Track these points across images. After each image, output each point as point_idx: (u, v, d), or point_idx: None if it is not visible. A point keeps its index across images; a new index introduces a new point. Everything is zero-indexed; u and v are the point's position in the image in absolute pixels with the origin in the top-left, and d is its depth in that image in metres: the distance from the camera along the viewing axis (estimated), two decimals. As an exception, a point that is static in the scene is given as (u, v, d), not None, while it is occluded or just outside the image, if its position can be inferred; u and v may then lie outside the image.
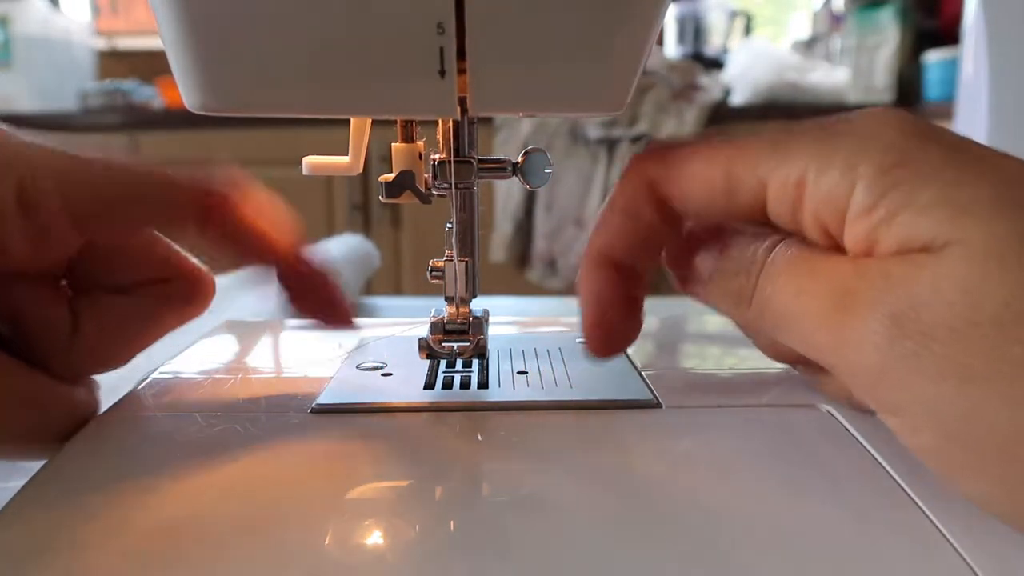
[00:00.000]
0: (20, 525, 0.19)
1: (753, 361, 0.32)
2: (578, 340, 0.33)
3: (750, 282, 0.22)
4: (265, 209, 0.26)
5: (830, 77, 1.72)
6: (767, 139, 0.21)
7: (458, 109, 0.22)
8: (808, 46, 1.94)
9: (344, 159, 0.28)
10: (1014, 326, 0.17)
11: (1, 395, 0.23)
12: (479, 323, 0.28)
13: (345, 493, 0.20)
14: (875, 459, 0.22)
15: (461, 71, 0.22)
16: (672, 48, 2.04)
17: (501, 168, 0.27)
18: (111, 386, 0.27)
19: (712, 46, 2.05)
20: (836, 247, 0.21)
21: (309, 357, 0.31)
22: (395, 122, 0.27)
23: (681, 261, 0.25)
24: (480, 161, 0.27)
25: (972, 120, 0.62)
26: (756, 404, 0.26)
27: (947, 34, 1.60)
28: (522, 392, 0.27)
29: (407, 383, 0.28)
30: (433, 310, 0.28)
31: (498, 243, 1.62)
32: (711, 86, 1.66)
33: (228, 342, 0.34)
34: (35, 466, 0.22)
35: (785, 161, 0.21)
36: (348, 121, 0.28)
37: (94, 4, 2.23)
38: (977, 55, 0.61)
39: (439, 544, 0.18)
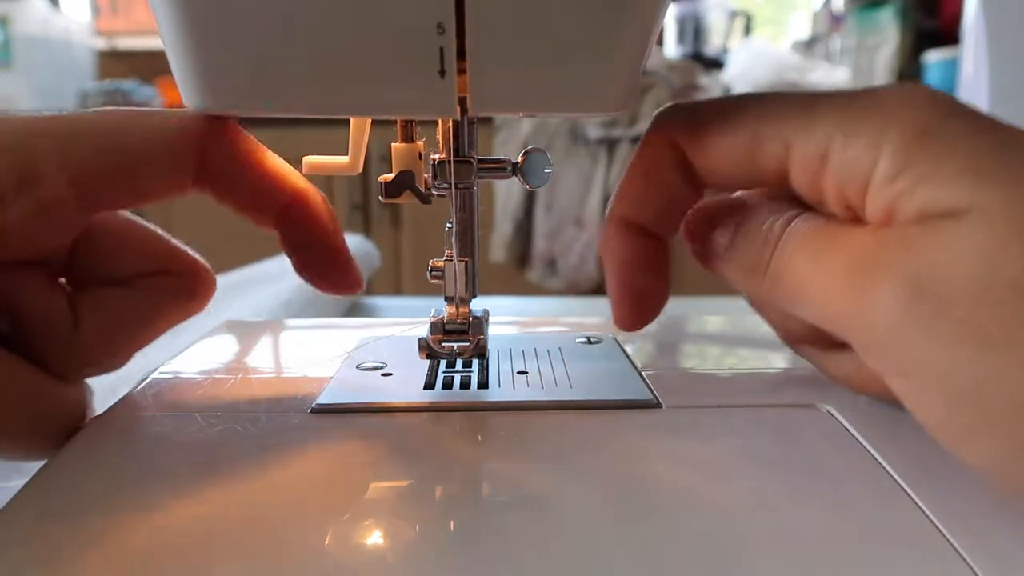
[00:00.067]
0: (20, 525, 0.19)
1: (753, 361, 0.32)
2: (578, 340, 0.33)
3: (767, 251, 0.22)
4: (263, 150, 0.26)
5: (830, 77, 1.72)
6: (794, 100, 0.21)
7: (458, 109, 0.22)
8: (808, 46, 1.94)
9: (344, 159, 0.28)
10: None
11: None
12: (479, 323, 0.28)
13: (345, 493, 0.20)
14: (875, 459, 0.22)
15: (461, 71, 0.22)
16: (672, 48, 2.04)
17: (501, 168, 0.27)
18: (111, 386, 0.27)
19: (712, 46, 2.05)
20: (856, 220, 0.21)
21: (309, 357, 0.31)
22: (395, 122, 0.27)
23: (699, 234, 0.25)
24: (480, 161, 0.27)
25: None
26: (756, 404, 0.26)
27: (947, 34, 1.60)
28: (522, 392, 0.27)
29: (407, 383, 0.28)
30: (433, 310, 0.28)
31: (498, 243, 1.62)
32: (711, 86, 1.66)
33: (228, 342, 0.34)
34: (35, 466, 0.22)
35: (810, 126, 0.21)
36: (348, 121, 0.28)
37: (94, 4, 2.23)
38: (977, 55, 0.61)
39: (439, 544, 0.18)
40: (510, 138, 1.60)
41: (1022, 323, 0.17)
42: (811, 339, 0.26)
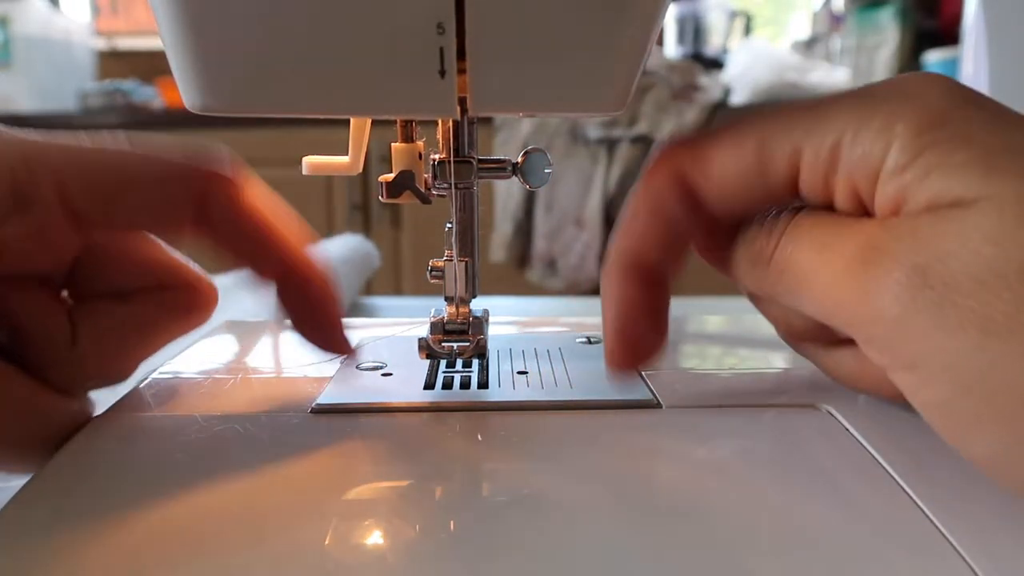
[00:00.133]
0: (20, 525, 0.19)
1: (753, 361, 0.32)
2: (578, 340, 0.33)
3: (771, 242, 0.22)
4: (267, 202, 0.25)
5: (830, 77, 1.72)
6: (802, 106, 0.21)
7: (458, 109, 0.22)
8: (808, 46, 1.94)
9: (344, 159, 0.28)
10: None
11: None
12: (479, 323, 0.28)
13: (345, 493, 0.20)
14: (875, 459, 0.22)
15: (461, 71, 0.22)
16: (672, 48, 2.04)
17: (501, 168, 0.27)
18: (111, 386, 0.27)
19: (712, 46, 2.05)
20: (865, 215, 0.21)
21: (309, 357, 0.31)
22: (395, 122, 0.27)
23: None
24: (480, 161, 0.27)
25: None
26: (756, 404, 0.26)
27: (947, 34, 1.60)
28: (522, 392, 0.27)
29: (407, 383, 0.28)
30: (433, 310, 0.28)
31: (498, 243, 1.62)
32: (711, 86, 1.65)
33: (228, 342, 0.34)
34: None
35: (821, 124, 0.20)
36: (348, 121, 0.28)
37: (94, 4, 2.23)
38: (977, 55, 0.61)
39: (439, 544, 0.18)
40: (510, 138, 1.60)
41: None
42: (812, 336, 0.25)
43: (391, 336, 0.33)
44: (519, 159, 0.27)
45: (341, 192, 1.71)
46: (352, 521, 0.19)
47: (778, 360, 0.31)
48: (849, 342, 0.24)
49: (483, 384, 0.28)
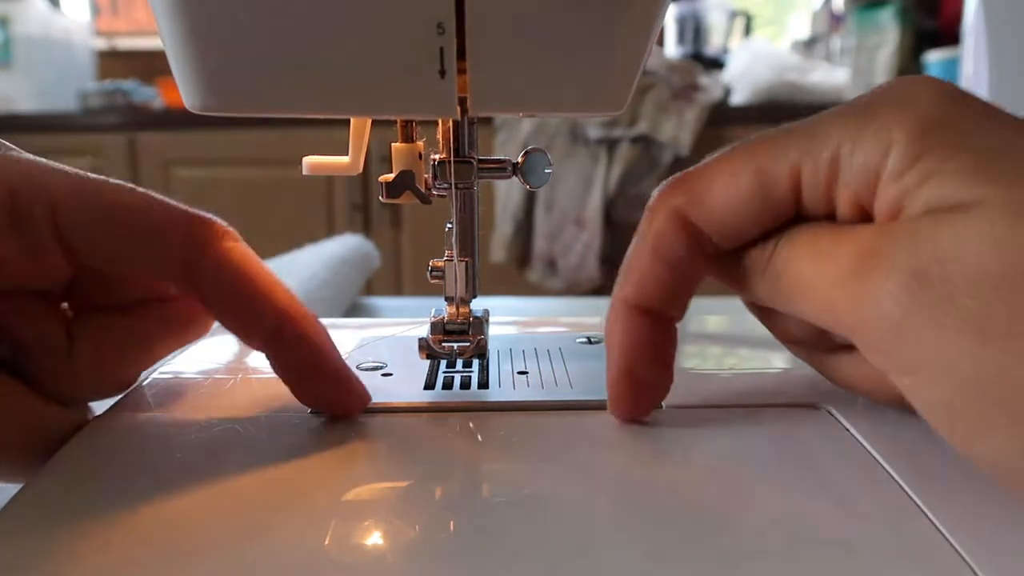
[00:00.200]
0: (20, 525, 0.19)
1: (753, 361, 0.32)
2: (578, 340, 0.33)
3: (767, 251, 0.22)
4: (259, 263, 0.24)
5: (830, 77, 1.72)
6: (795, 126, 0.21)
7: (458, 109, 0.22)
8: (808, 46, 1.94)
9: (344, 159, 0.28)
10: None
11: None
12: (479, 323, 0.28)
13: (345, 493, 0.20)
14: (875, 459, 0.22)
15: (461, 71, 0.22)
16: (672, 48, 2.04)
17: (501, 168, 0.27)
18: (111, 386, 0.27)
19: (712, 46, 2.05)
20: (865, 222, 0.20)
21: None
22: (395, 122, 0.27)
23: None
24: (480, 161, 0.27)
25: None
26: (756, 404, 0.26)
27: (947, 34, 1.60)
28: (522, 392, 0.27)
29: (407, 383, 0.28)
30: (433, 310, 0.28)
31: (498, 243, 1.62)
32: (711, 86, 1.65)
33: (228, 342, 0.34)
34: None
35: (818, 139, 0.20)
36: (348, 121, 0.28)
37: (94, 4, 2.23)
38: (977, 55, 0.61)
39: (439, 544, 0.18)
40: (510, 138, 1.60)
41: None
42: (810, 341, 0.25)
43: (391, 336, 0.33)
44: (519, 159, 0.27)
45: (341, 192, 1.71)
46: (352, 521, 0.19)
47: (778, 360, 0.31)
48: (848, 347, 0.24)
49: (483, 384, 0.28)
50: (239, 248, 0.24)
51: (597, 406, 0.26)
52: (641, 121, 1.54)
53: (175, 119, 1.78)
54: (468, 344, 0.28)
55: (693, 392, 0.27)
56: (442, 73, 0.22)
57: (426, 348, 0.28)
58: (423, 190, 0.27)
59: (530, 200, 1.60)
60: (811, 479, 0.21)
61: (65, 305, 0.26)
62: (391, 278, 1.70)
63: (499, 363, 0.30)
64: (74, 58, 2.03)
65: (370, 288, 0.84)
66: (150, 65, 2.12)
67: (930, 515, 0.19)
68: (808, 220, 0.22)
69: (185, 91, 0.22)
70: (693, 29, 2.03)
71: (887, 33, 1.67)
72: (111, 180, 0.24)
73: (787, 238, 0.22)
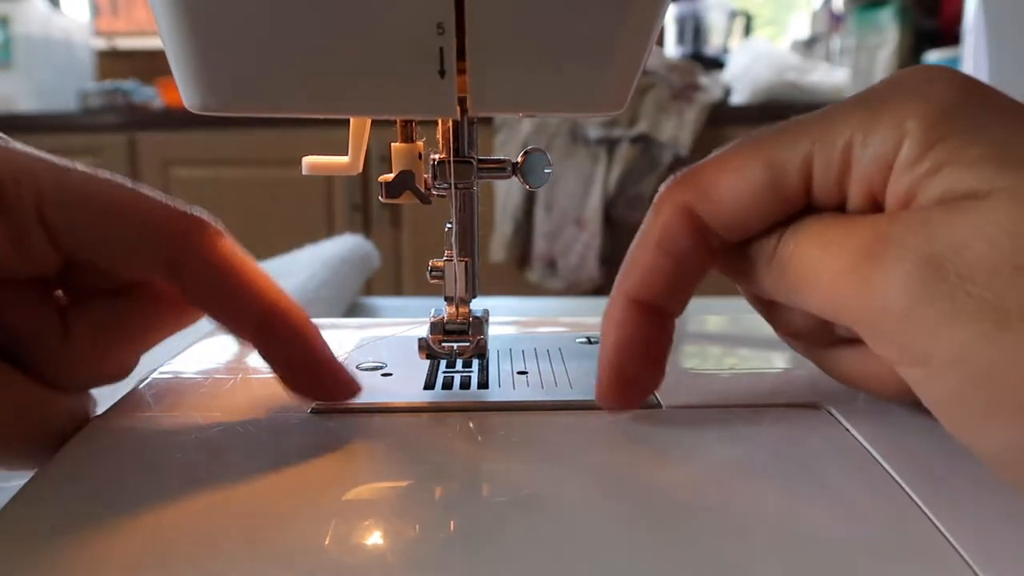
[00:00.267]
0: (20, 525, 0.19)
1: (754, 361, 0.32)
2: (578, 340, 0.33)
3: (772, 241, 0.22)
4: (244, 258, 0.24)
5: (830, 77, 1.72)
6: (805, 117, 0.21)
7: (458, 109, 0.22)
8: (808, 46, 1.94)
9: (344, 159, 0.28)
10: None
11: None
12: (479, 323, 0.28)
13: (345, 493, 0.20)
14: (875, 459, 0.22)
15: (461, 71, 0.22)
16: (672, 48, 2.04)
17: (501, 168, 0.27)
18: (111, 386, 0.27)
19: (712, 46, 2.05)
20: (876, 211, 0.20)
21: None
22: (395, 122, 0.27)
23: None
24: (480, 161, 0.27)
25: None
26: (756, 404, 0.26)
27: (947, 34, 1.60)
28: (522, 392, 0.27)
29: (407, 383, 0.28)
30: (433, 310, 0.28)
31: (498, 243, 1.62)
32: (711, 86, 1.66)
33: (228, 342, 0.34)
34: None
35: (830, 130, 0.20)
36: (348, 121, 0.28)
37: (94, 4, 2.23)
38: (977, 55, 0.61)
39: (439, 544, 0.18)
40: (510, 138, 1.60)
41: None
42: (812, 335, 0.25)
43: (391, 336, 0.33)
44: (519, 159, 0.27)
45: (341, 192, 1.71)
46: (352, 521, 0.19)
47: (778, 360, 0.31)
48: (849, 341, 0.24)
49: (483, 384, 0.28)
50: (225, 243, 0.24)
51: (597, 406, 0.26)
52: (641, 121, 1.54)
53: (175, 119, 1.78)
54: (468, 344, 0.28)
55: (693, 392, 0.27)
56: (442, 73, 0.22)
57: (426, 348, 0.28)
58: (423, 190, 0.27)
59: (530, 200, 1.60)
60: (811, 479, 0.21)
61: (59, 292, 0.25)
62: (391, 278, 1.70)
63: (499, 363, 0.30)
64: (74, 58, 2.03)
65: (370, 288, 0.84)
66: (150, 65, 2.12)
67: (930, 515, 0.19)
68: (817, 212, 0.21)
69: (185, 91, 0.22)
70: (693, 29, 2.04)
71: (887, 33, 1.67)
72: (100, 174, 0.24)
73: (794, 228, 0.21)
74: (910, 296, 0.18)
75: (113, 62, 2.22)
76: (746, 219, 0.22)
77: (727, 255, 0.23)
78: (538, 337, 0.34)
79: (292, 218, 1.68)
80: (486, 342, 0.28)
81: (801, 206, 0.22)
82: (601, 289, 1.53)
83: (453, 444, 0.23)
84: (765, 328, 0.27)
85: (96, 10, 2.23)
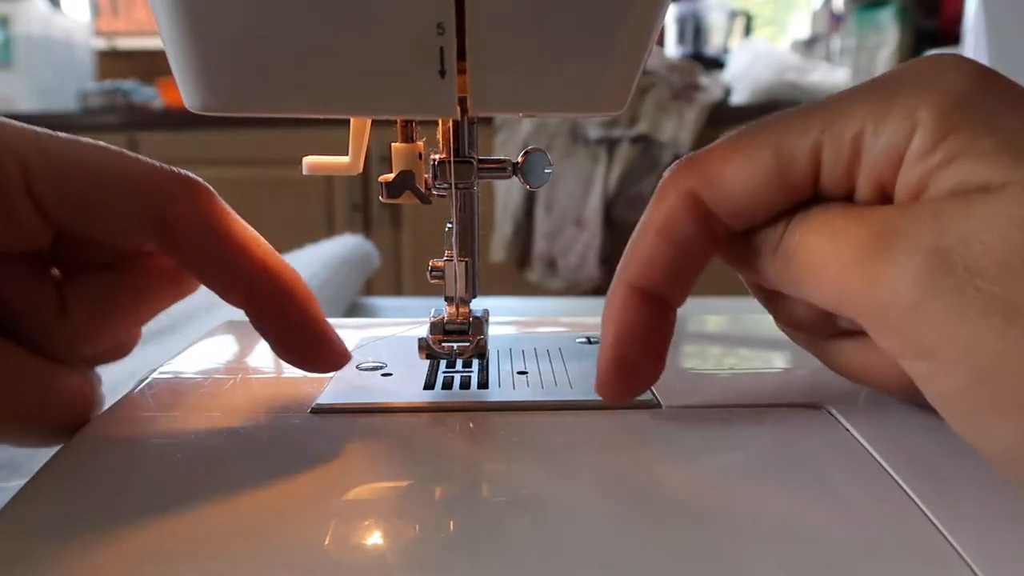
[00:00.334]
0: (20, 525, 0.19)
1: (754, 361, 0.32)
2: (578, 340, 0.33)
3: (778, 230, 0.22)
4: (235, 219, 0.24)
5: (830, 77, 1.72)
6: (814, 104, 0.21)
7: (458, 109, 0.22)
8: (808, 46, 1.94)
9: (344, 159, 0.28)
10: None
11: None
12: (479, 323, 0.28)
13: (345, 493, 0.20)
14: (875, 459, 0.22)
15: (461, 71, 0.22)
16: (672, 48, 2.04)
17: (501, 168, 0.27)
18: (111, 386, 0.27)
19: (712, 46, 2.05)
20: (886, 203, 0.20)
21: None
22: (395, 122, 0.27)
23: None
24: (480, 161, 0.27)
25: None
26: (757, 404, 0.26)
27: (947, 34, 1.60)
28: (522, 392, 0.27)
29: (407, 383, 0.28)
30: (433, 310, 0.28)
31: (498, 243, 1.62)
32: (711, 86, 1.66)
33: (228, 342, 0.34)
34: (35, 467, 0.22)
35: (840, 118, 0.20)
36: (348, 121, 0.28)
37: (94, 4, 2.23)
38: (977, 55, 0.61)
39: (439, 544, 0.18)
40: (510, 138, 1.60)
41: None
42: (814, 326, 0.25)
43: (391, 336, 0.33)
44: (519, 159, 0.27)
45: (341, 192, 1.71)
46: (352, 521, 0.19)
47: (779, 360, 0.31)
48: (851, 333, 0.24)
49: (483, 384, 0.28)
50: (215, 204, 0.24)
51: (597, 406, 0.26)
52: (641, 121, 1.54)
53: (175, 119, 1.78)
54: (468, 344, 0.28)
55: (693, 392, 0.27)
56: (442, 73, 0.22)
57: (426, 348, 0.28)
58: (423, 190, 0.27)
59: (530, 200, 1.60)
60: (811, 479, 0.21)
61: (55, 269, 0.25)
62: (391, 278, 1.70)
63: (499, 363, 0.30)
64: (74, 58, 2.03)
65: (370, 288, 0.84)
66: (150, 65, 2.12)
67: (930, 515, 0.19)
68: (824, 201, 0.21)
69: (185, 91, 0.22)
70: (693, 29, 2.04)
71: (887, 33, 1.67)
72: (82, 140, 0.23)
73: (800, 218, 0.21)
74: (918, 289, 0.18)
75: (113, 62, 2.22)
76: (752, 207, 0.21)
77: (730, 243, 0.23)
78: (538, 337, 0.34)
79: (292, 218, 1.68)
80: (486, 342, 0.28)
81: (809, 195, 0.21)
82: (601, 289, 1.53)
83: (453, 444, 0.23)
84: (765, 328, 0.27)
85: (96, 10, 2.23)
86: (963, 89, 0.19)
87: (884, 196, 0.20)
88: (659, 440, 0.24)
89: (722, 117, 1.59)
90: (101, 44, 2.21)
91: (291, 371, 0.30)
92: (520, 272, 1.64)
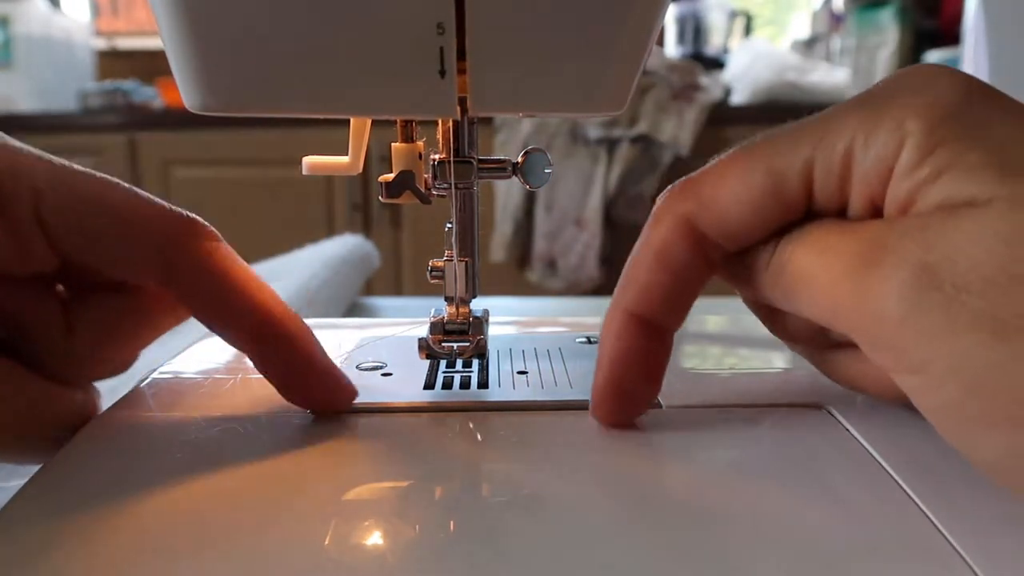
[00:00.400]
0: (20, 525, 0.19)
1: (753, 361, 0.32)
2: (578, 340, 0.33)
3: (771, 247, 0.22)
4: (240, 263, 0.24)
5: (830, 77, 1.72)
6: (805, 121, 0.21)
7: (458, 109, 0.22)
8: (808, 46, 1.94)
9: (344, 159, 0.28)
10: None
11: None
12: (479, 323, 0.28)
13: (345, 493, 0.20)
14: (875, 459, 0.22)
15: (461, 71, 0.22)
16: (672, 48, 2.04)
17: (501, 168, 0.27)
18: (111, 386, 0.27)
19: (712, 46, 2.05)
20: (875, 217, 0.20)
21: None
22: (395, 122, 0.27)
23: None
24: (480, 161, 0.27)
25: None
26: (756, 404, 0.26)
27: (947, 34, 1.60)
28: (522, 392, 0.27)
29: (407, 383, 0.28)
30: (433, 310, 0.28)
31: (498, 243, 1.62)
32: (711, 86, 1.66)
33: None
34: (35, 467, 0.22)
35: (830, 133, 0.20)
36: (348, 121, 0.28)
37: (94, 4, 2.23)
38: (977, 55, 0.61)
39: (439, 544, 0.18)
40: (510, 138, 1.60)
41: None
42: (810, 339, 0.25)
43: (391, 336, 0.33)
44: (519, 159, 0.27)
45: (341, 192, 1.71)
46: (352, 521, 0.19)
47: (778, 360, 0.31)
48: (848, 344, 0.24)
49: (483, 384, 0.28)
50: (220, 248, 0.24)
51: (597, 406, 0.26)
52: (641, 121, 1.54)
53: (175, 119, 1.78)
54: (468, 344, 0.28)
55: (693, 392, 0.27)
56: (442, 73, 0.22)
57: (426, 348, 0.28)
58: (423, 190, 0.27)
59: (530, 200, 1.60)
60: (811, 479, 0.21)
61: (59, 286, 0.25)
62: (391, 278, 1.70)
63: (499, 363, 0.30)
64: (74, 58, 2.03)
65: (370, 288, 0.84)
66: (150, 65, 2.12)
67: (930, 515, 0.19)
68: (818, 217, 0.21)
69: (185, 91, 0.22)
70: (693, 29, 2.04)
71: (887, 33, 1.67)
72: (96, 175, 0.24)
73: (792, 234, 0.21)
74: (906, 305, 0.18)
75: (113, 62, 2.22)
76: (747, 228, 0.22)
77: (726, 262, 0.23)
78: (538, 337, 0.34)
79: (292, 218, 1.68)
80: (486, 342, 0.28)
81: (803, 212, 0.21)
82: (601, 289, 1.53)
83: (453, 444, 0.23)
84: (765, 328, 0.27)
85: (96, 10, 2.23)
86: (951, 100, 0.19)
87: (875, 210, 0.20)
88: (659, 440, 0.24)
89: (722, 117, 1.59)
90: (101, 44, 2.21)
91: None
92: (520, 272, 1.64)
